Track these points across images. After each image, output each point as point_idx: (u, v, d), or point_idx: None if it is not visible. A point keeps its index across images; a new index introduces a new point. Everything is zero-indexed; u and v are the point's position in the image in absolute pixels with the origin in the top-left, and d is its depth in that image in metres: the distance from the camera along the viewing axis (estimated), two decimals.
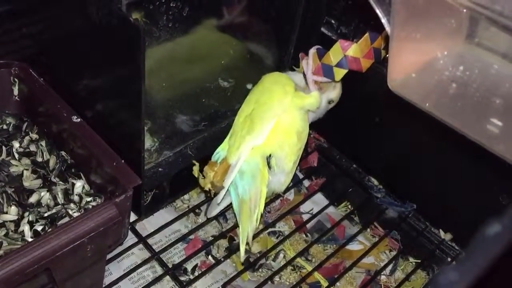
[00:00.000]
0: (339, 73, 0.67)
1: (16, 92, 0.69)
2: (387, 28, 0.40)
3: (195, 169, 0.68)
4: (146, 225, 0.74)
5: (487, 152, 0.40)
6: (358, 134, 0.81)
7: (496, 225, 0.17)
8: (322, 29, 0.78)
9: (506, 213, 0.17)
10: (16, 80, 0.69)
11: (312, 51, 0.69)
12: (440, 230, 0.76)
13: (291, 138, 0.68)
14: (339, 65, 0.66)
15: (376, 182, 0.81)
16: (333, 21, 0.77)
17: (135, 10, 0.55)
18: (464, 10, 0.37)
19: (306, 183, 0.86)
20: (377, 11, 0.39)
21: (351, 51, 0.65)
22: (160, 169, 0.69)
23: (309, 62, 0.69)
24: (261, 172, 0.67)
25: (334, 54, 0.66)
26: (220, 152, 0.70)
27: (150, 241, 0.70)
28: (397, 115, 0.69)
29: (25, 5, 0.68)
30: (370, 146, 0.80)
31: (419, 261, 0.76)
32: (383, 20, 0.39)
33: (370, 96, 0.74)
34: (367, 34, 0.65)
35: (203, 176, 0.67)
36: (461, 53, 0.40)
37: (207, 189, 0.67)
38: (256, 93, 0.70)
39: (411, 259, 0.77)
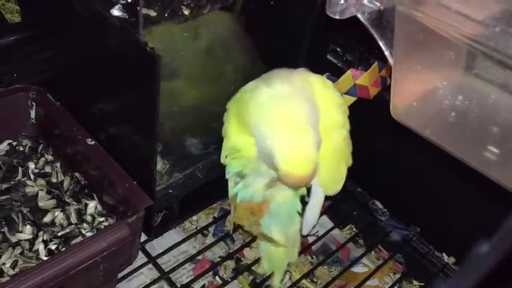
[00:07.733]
0: (348, 101, 0.68)
1: (33, 115, 0.71)
2: (390, 60, 0.42)
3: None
4: (155, 245, 0.75)
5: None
6: (363, 158, 0.82)
7: (485, 245, 0.18)
8: (328, 56, 0.80)
9: (496, 234, 0.19)
10: (33, 103, 0.70)
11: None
12: (444, 254, 0.77)
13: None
14: (348, 92, 0.67)
15: (380, 206, 0.83)
16: (338, 49, 0.80)
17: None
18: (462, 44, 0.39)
19: None
20: (381, 44, 0.42)
21: (361, 80, 0.66)
22: (170, 191, 0.70)
23: None
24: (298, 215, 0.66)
25: (345, 82, 0.67)
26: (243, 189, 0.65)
27: (159, 261, 0.71)
28: (401, 140, 0.71)
29: (46, 31, 0.70)
30: (375, 170, 0.82)
31: (423, 284, 0.77)
32: (386, 53, 0.42)
33: (375, 121, 0.76)
34: (375, 63, 0.66)
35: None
36: (460, 84, 0.42)
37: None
38: None
39: (414, 282, 0.78)
